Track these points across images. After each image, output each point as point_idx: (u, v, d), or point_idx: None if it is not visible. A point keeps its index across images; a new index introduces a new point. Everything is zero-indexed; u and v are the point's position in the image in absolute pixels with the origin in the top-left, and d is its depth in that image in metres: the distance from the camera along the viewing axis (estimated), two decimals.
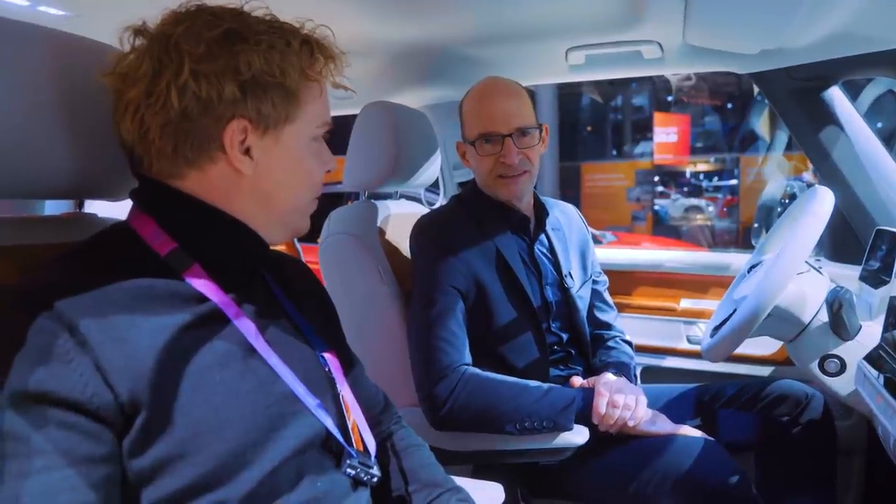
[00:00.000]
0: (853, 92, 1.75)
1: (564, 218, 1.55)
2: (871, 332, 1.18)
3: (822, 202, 1.21)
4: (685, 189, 10.63)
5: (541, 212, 1.46)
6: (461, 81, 1.67)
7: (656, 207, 10.48)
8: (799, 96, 1.59)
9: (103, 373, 0.59)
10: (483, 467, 1.33)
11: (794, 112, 1.60)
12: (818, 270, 1.38)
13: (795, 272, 1.17)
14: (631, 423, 1.22)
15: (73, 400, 0.58)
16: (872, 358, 1.02)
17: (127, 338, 0.62)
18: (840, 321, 1.18)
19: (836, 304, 1.16)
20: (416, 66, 1.78)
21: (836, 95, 1.59)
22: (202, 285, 0.71)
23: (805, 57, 1.50)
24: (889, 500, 1.53)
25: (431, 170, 1.64)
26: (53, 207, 1.59)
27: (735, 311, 1.30)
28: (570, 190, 10.89)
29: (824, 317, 1.23)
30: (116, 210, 0.89)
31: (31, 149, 0.71)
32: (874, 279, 1.34)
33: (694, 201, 10.32)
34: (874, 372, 0.98)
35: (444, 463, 0.98)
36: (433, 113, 1.93)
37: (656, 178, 10.68)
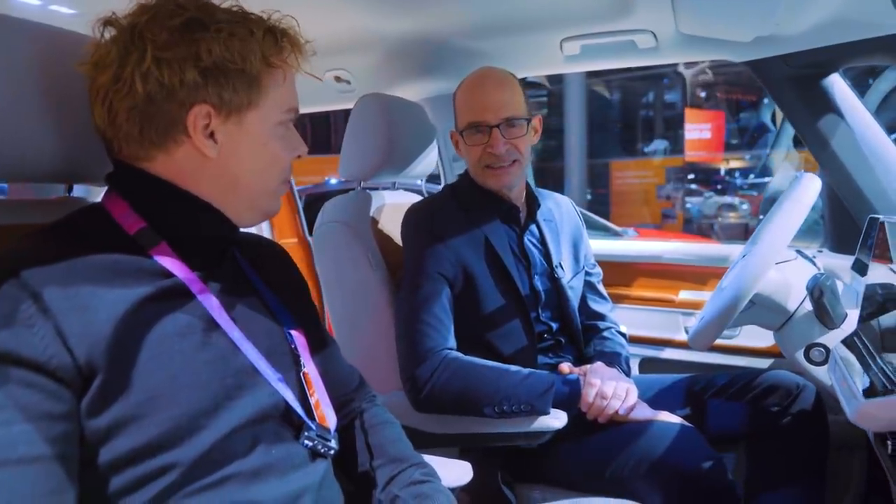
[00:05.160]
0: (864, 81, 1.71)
1: (557, 209, 1.56)
2: (856, 321, 1.17)
3: (807, 189, 1.20)
4: (718, 186, 10.40)
5: (532, 203, 1.47)
6: (458, 74, 1.67)
7: (688, 205, 10.28)
8: (797, 85, 1.56)
9: (63, 337, 0.64)
10: (467, 451, 1.36)
11: (792, 100, 1.57)
12: (811, 260, 1.37)
13: (774, 259, 1.16)
14: (622, 413, 1.23)
15: (34, 360, 0.62)
16: (848, 344, 1.01)
17: (88, 306, 0.67)
18: (823, 309, 1.16)
19: (817, 292, 1.15)
20: (414, 59, 1.80)
21: (836, 83, 1.56)
22: (169, 262, 0.75)
23: (801, 44, 1.47)
24: (891, 495, 1.49)
25: (427, 160, 1.66)
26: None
27: None
28: (600, 188, 10.76)
29: (810, 305, 1.21)
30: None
31: (19, 134, 0.76)
32: (863, 267, 1.31)
33: (727, 199, 10.07)
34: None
35: (427, 445, 1.00)
36: (433, 105, 1.96)
37: (689, 176, 10.48)
